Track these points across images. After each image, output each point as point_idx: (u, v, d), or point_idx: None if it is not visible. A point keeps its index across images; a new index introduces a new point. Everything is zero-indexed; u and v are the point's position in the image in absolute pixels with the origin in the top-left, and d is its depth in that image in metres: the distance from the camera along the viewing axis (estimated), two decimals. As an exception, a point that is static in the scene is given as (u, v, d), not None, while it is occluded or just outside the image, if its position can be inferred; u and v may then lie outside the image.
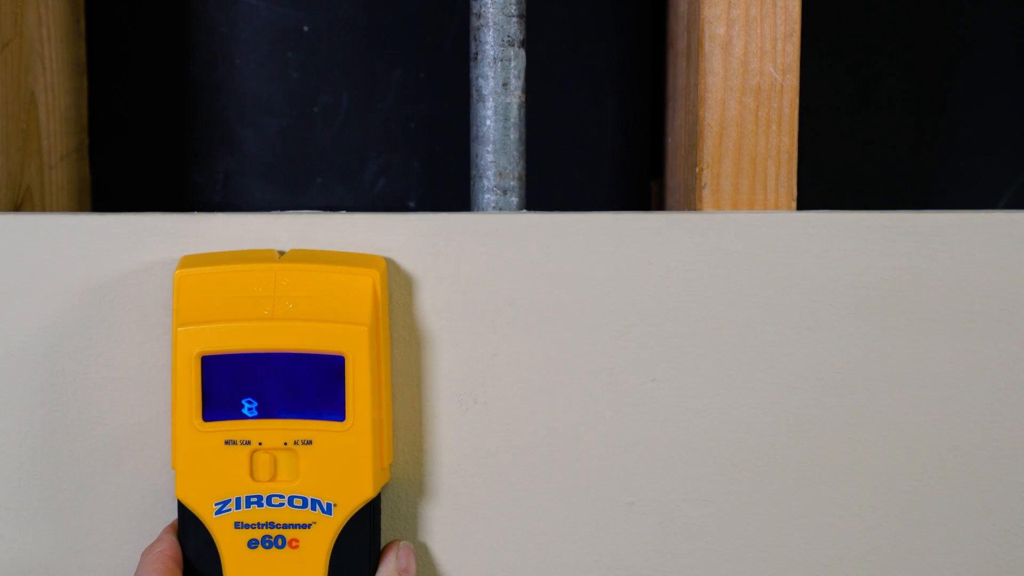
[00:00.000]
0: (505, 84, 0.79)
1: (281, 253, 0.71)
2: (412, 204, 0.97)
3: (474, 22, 0.79)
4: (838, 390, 0.73)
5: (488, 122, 0.79)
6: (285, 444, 0.68)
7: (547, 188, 0.96)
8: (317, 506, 0.68)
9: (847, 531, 0.74)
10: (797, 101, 0.75)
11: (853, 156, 0.99)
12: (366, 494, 0.69)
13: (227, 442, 0.68)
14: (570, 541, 0.73)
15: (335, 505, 0.68)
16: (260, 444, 0.68)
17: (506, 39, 0.79)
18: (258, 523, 0.68)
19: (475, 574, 0.73)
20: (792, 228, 0.72)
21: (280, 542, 0.68)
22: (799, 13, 0.75)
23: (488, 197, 0.79)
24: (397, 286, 0.72)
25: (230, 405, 0.68)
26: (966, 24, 0.99)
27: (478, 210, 0.80)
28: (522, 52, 0.79)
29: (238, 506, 0.68)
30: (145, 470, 0.72)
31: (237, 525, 0.68)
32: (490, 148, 0.79)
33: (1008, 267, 0.73)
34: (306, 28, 0.96)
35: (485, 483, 0.73)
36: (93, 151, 0.97)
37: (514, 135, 0.79)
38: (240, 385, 0.68)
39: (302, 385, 0.68)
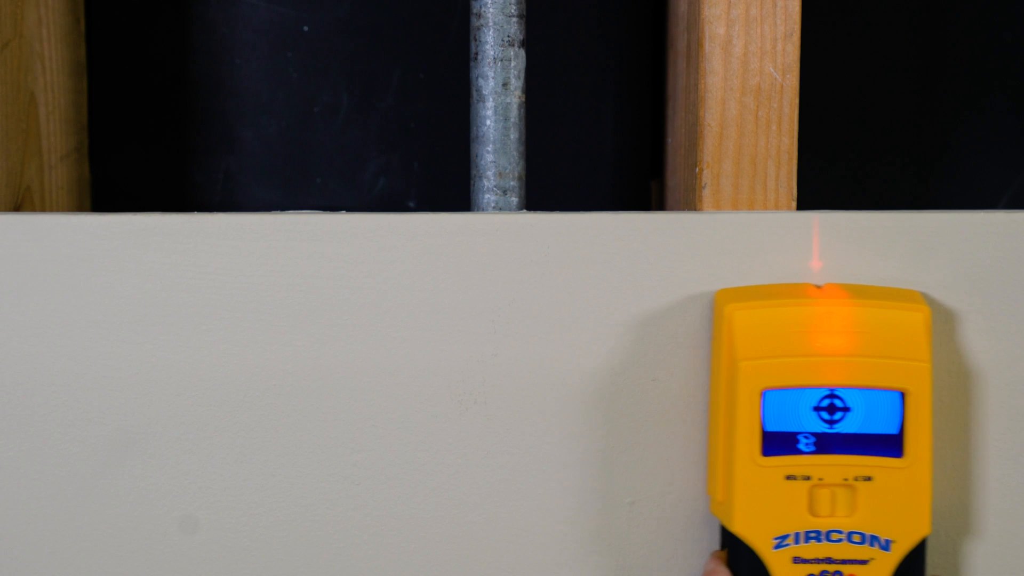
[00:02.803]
0: (505, 84, 0.79)
1: (817, 287, 0.71)
2: (412, 204, 0.97)
3: (474, 22, 0.79)
4: (838, 390, 0.73)
5: (488, 122, 0.79)
6: (845, 480, 0.68)
7: (547, 188, 0.96)
8: (876, 542, 0.68)
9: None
10: (797, 101, 0.75)
11: (853, 156, 0.99)
12: (923, 531, 0.68)
13: (787, 477, 0.68)
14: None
15: (893, 542, 0.68)
16: (820, 479, 0.68)
17: (506, 39, 0.79)
18: (816, 558, 0.68)
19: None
20: (792, 228, 0.72)
21: None
22: (799, 13, 0.75)
23: (488, 197, 0.79)
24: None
25: (788, 440, 0.68)
26: (966, 24, 0.99)
27: (478, 210, 0.80)
28: (522, 52, 0.79)
29: (797, 541, 0.68)
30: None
31: (795, 560, 0.68)
32: (490, 148, 0.79)
33: (1008, 267, 0.73)
34: (306, 28, 0.96)
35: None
36: (93, 151, 0.97)
37: (514, 135, 0.79)
38: (798, 420, 0.68)
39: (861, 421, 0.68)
